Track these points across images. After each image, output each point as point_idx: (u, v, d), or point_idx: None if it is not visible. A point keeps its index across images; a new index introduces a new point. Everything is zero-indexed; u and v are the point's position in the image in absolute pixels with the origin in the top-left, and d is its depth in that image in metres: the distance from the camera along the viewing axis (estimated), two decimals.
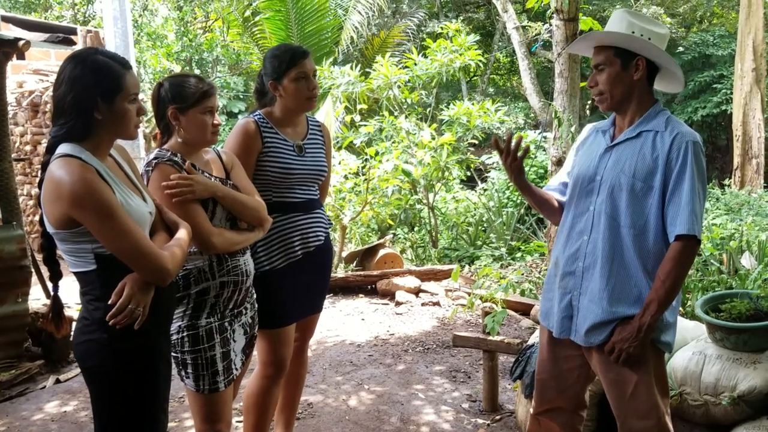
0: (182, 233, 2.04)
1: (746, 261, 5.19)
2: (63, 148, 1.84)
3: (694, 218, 2.08)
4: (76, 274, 1.93)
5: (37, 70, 8.71)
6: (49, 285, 2.06)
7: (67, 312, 3.97)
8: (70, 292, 3.01)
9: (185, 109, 2.28)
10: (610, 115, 2.38)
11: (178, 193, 2.18)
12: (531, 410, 2.61)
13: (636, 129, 2.23)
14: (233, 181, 2.45)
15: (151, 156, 2.29)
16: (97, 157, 1.89)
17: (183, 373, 2.32)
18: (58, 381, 4.32)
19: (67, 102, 1.85)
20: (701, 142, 2.18)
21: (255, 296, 2.55)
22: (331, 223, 3.13)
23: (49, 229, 1.88)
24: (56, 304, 2.06)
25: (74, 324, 2.01)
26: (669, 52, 2.27)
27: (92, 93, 1.85)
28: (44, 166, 1.85)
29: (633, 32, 2.19)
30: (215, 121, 2.33)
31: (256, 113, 2.74)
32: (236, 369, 2.40)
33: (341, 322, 5.54)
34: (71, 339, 1.98)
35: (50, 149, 1.87)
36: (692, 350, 2.93)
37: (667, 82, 2.32)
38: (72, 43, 8.73)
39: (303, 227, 2.74)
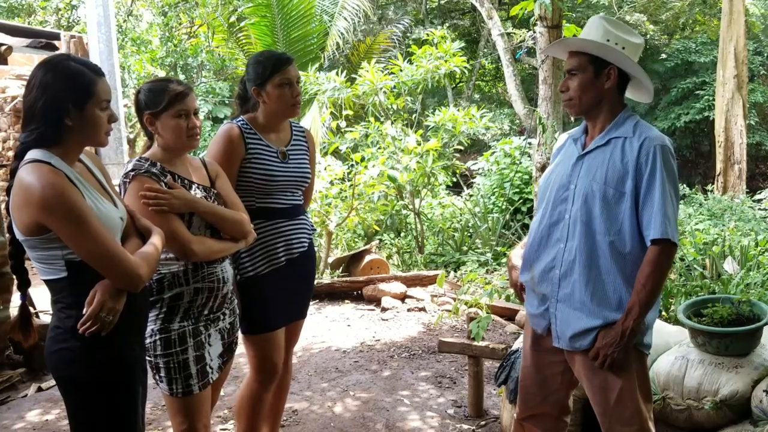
0: (155, 239, 2.02)
1: (729, 266, 5.23)
2: (32, 154, 1.82)
3: (668, 222, 2.10)
4: (46, 282, 1.90)
5: (20, 76, 8.63)
6: (18, 293, 2.03)
7: (45, 320, 3.95)
8: (47, 300, 2.97)
9: (158, 114, 2.27)
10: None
11: (154, 204, 2.16)
12: (515, 416, 2.62)
13: (605, 136, 2.25)
14: (217, 190, 2.43)
15: (129, 167, 2.26)
16: (67, 163, 1.86)
17: (157, 377, 2.31)
18: (39, 389, 4.27)
19: (38, 108, 1.83)
20: (670, 145, 2.20)
21: (236, 303, 2.54)
22: (315, 229, 3.13)
23: (19, 236, 1.85)
24: (24, 313, 2.03)
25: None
26: (652, 59, 2.31)
27: (63, 99, 1.83)
28: (13, 172, 1.83)
29: (608, 40, 2.21)
30: (191, 124, 2.29)
31: (240, 119, 2.73)
32: (212, 373, 2.38)
33: (327, 329, 5.52)
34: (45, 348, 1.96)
35: (19, 155, 1.85)
36: (675, 355, 2.95)
37: (638, 92, 2.34)
38: (55, 48, 8.67)
39: (287, 233, 2.74)
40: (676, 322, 3.67)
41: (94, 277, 1.85)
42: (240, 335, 2.64)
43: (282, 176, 2.71)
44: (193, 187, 2.34)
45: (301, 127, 2.95)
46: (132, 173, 2.23)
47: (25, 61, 9.08)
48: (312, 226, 2.92)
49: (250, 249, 2.64)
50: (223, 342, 2.45)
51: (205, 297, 2.33)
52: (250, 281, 2.66)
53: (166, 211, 2.18)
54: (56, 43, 8.79)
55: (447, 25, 16.04)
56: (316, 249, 6.97)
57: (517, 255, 2.52)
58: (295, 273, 2.78)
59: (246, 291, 2.65)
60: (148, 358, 2.26)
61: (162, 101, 2.26)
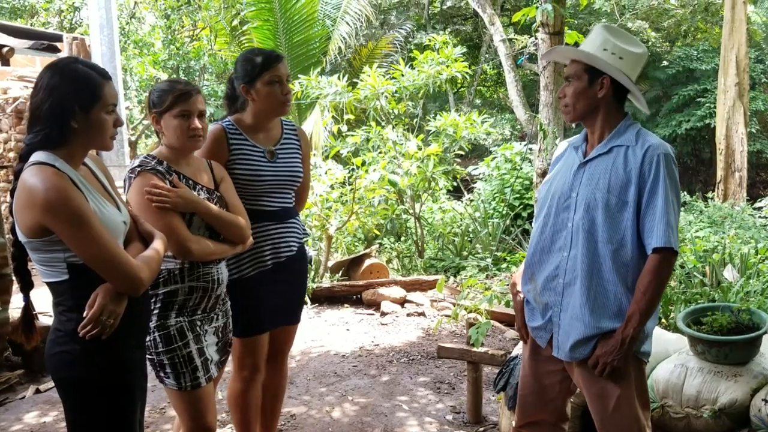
0: (158, 243, 2.03)
1: (729, 273, 5.22)
2: (37, 156, 1.83)
3: (670, 230, 2.10)
4: (48, 284, 1.90)
5: (22, 77, 8.65)
6: (20, 295, 2.04)
7: (45, 322, 3.94)
8: (48, 302, 2.98)
9: (161, 114, 2.32)
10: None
11: (157, 201, 2.20)
12: (513, 423, 2.61)
13: (607, 145, 2.25)
14: (221, 193, 2.45)
15: (135, 163, 2.31)
16: (71, 166, 1.87)
17: (162, 374, 2.31)
18: (38, 391, 4.26)
19: (44, 110, 1.83)
20: (673, 153, 2.20)
21: (228, 304, 2.55)
22: (307, 233, 3.11)
23: (21, 238, 1.85)
24: (26, 315, 2.03)
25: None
26: (653, 66, 2.31)
27: (70, 102, 1.84)
28: (17, 174, 1.84)
29: (605, 49, 2.21)
30: (192, 125, 2.31)
31: (226, 119, 2.72)
32: (212, 364, 2.39)
33: (326, 333, 5.52)
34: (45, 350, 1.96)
35: (24, 157, 1.85)
36: (674, 363, 2.94)
37: (640, 101, 2.34)
38: (57, 50, 8.68)
39: (275, 237, 2.72)
40: (676, 329, 3.66)
41: (95, 280, 1.85)
42: None
43: (269, 176, 2.69)
44: (197, 188, 2.37)
45: (292, 124, 2.92)
46: (138, 169, 2.27)
47: (27, 62, 9.10)
48: (304, 229, 2.90)
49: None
50: (218, 342, 2.47)
51: (199, 296, 2.35)
52: (234, 283, 2.64)
53: (168, 209, 2.21)
54: (58, 45, 8.79)
55: (449, 30, 16.04)
56: (315, 252, 7.01)
57: (520, 280, 2.51)
58: (283, 277, 2.76)
59: (231, 294, 2.63)
60: (149, 356, 2.28)
61: (166, 101, 2.30)
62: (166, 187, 2.23)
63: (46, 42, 8.84)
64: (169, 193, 2.22)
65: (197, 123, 2.33)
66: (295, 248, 2.80)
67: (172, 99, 2.30)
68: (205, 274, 2.36)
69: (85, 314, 1.83)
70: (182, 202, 2.25)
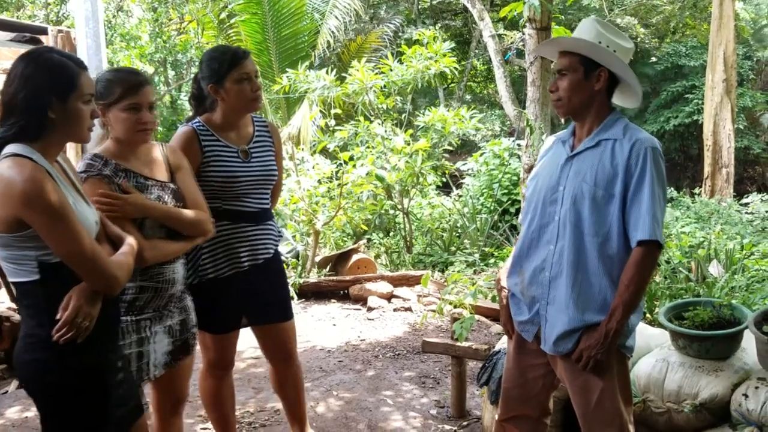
0: (131, 241, 1.99)
1: (714, 269, 5.25)
2: (11, 148, 1.76)
3: (656, 224, 2.10)
4: (15, 284, 1.83)
5: (6, 70, 8.56)
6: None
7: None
8: None
9: (108, 107, 2.19)
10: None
11: (107, 210, 2.10)
12: (496, 416, 2.61)
13: (595, 138, 2.24)
14: (178, 184, 2.35)
15: (81, 167, 2.18)
16: (47, 160, 1.81)
17: None
18: (20, 386, 4.22)
19: (19, 100, 1.77)
20: (660, 148, 2.20)
21: (187, 301, 2.47)
22: (281, 235, 3.09)
23: None
24: None
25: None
26: (642, 62, 2.31)
27: (46, 91, 1.78)
28: None
29: (600, 42, 2.20)
30: (142, 119, 2.20)
31: (196, 120, 2.65)
32: (155, 369, 2.32)
33: (312, 328, 5.51)
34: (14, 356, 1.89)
35: None
36: (656, 357, 2.95)
37: (625, 97, 2.33)
38: (40, 43, 8.59)
39: (252, 239, 2.68)
40: (660, 324, 3.67)
41: (68, 282, 1.79)
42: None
43: (245, 176, 2.64)
44: (148, 183, 2.27)
45: (263, 120, 2.87)
46: (83, 176, 2.15)
47: (12, 55, 8.98)
48: (279, 232, 2.86)
49: (211, 251, 2.60)
50: (174, 340, 2.38)
51: (150, 296, 2.28)
52: (211, 282, 2.61)
53: (119, 217, 2.12)
54: (42, 38, 8.70)
55: (439, 25, 16.03)
56: (303, 247, 6.98)
57: (505, 276, 2.49)
58: (260, 277, 2.73)
59: (207, 292, 2.60)
60: None
61: (114, 93, 2.18)
62: (114, 195, 2.13)
63: (28, 35, 8.75)
64: (118, 201, 2.12)
65: (147, 116, 2.21)
66: (272, 250, 2.77)
67: (121, 91, 2.17)
68: (157, 274, 2.27)
69: (58, 317, 1.76)
70: (132, 209, 2.16)
